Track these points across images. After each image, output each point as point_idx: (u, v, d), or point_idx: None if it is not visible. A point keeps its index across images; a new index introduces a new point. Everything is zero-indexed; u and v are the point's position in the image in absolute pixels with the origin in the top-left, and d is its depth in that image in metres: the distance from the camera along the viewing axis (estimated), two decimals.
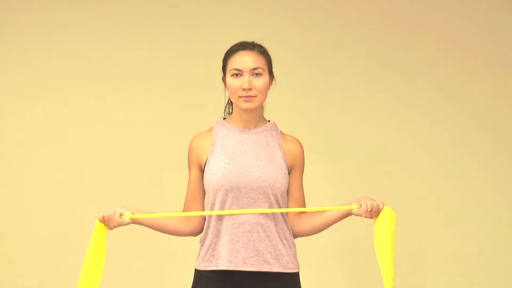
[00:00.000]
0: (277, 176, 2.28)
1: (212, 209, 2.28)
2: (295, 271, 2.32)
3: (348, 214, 2.29)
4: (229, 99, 2.41)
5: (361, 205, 2.24)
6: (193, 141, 2.37)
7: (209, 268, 2.28)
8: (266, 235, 2.26)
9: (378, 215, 2.28)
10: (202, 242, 2.32)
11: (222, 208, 2.26)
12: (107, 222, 2.27)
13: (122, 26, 3.89)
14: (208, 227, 2.30)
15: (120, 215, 2.27)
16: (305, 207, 2.36)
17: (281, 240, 2.29)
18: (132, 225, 2.36)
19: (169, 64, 3.89)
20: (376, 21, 3.94)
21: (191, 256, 2.45)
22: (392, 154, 3.90)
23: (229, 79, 2.30)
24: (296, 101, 3.87)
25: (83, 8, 3.89)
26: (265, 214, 2.26)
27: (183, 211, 2.35)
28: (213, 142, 2.33)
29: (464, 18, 3.95)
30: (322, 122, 3.89)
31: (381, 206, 2.26)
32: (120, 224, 2.27)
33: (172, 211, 2.45)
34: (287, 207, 2.34)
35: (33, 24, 3.87)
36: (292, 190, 2.34)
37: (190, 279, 2.37)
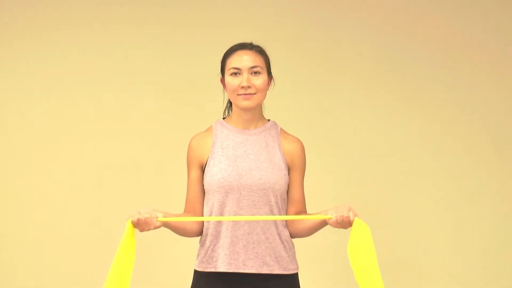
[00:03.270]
0: (277, 178, 2.27)
1: (211, 210, 2.28)
2: (295, 272, 2.32)
3: (325, 223, 2.22)
4: (228, 101, 2.41)
5: (332, 216, 2.15)
6: (193, 141, 2.36)
7: (208, 270, 2.28)
8: (265, 237, 2.26)
9: (350, 226, 2.16)
10: (202, 243, 2.32)
11: (222, 209, 2.26)
12: (141, 225, 2.14)
13: (122, 26, 3.88)
14: (207, 228, 2.30)
15: (156, 218, 2.15)
16: (305, 207, 2.35)
17: (282, 242, 2.29)
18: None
19: (169, 64, 3.88)
20: (376, 21, 3.94)
21: (190, 257, 2.45)
22: (392, 154, 3.90)
23: (228, 78, 2.30)
24: (296, 101, 3.87)
25: (82, 8, 3.88)
26: (265, 216, 2.25)
27: (186, 212, 2.34)
28: (213, 142, 2.33)
29: (465, 18, 3.94)
30: (322, 122, 3.89)
31: (351, 218, 2.15)
32: (156, 228, 2.17)
33: (176, 209, 2.43)
34: (287, 208, 2.33)
35: (33, 24, 3.87)
36: (290, 191, 2.33)
37: (189, 279, 2.36)
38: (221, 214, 2.26)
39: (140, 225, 2.13)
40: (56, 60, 3.86)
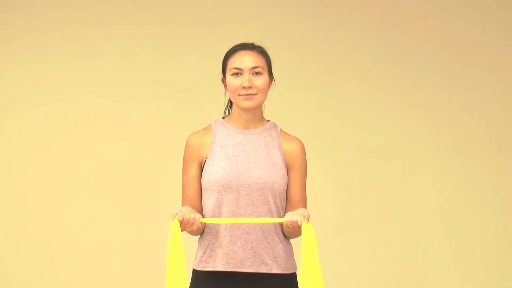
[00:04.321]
0: (276, 178, 2.27)
1: (209, 209, 2.27)
2: (293, 271, 2.32)
3: (297, 227, 2.19)
4: (228, 101, 2.41)
5: (283, 220, 2.16)
6: (191, 139, 2.35)
7: (207, 269, 2.28)
8: (264, 236, 2.26)
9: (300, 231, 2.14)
10: (200, 242, 2.32)
11: (220, 208, 2.25)
12: (185, 225, 2.15)
13: (122, 26, 3.89)
14: (206, 227, 2.30)
15: (199, 218, 2.18)
16: (305, 207, 2.34)
17: (281, 241, 2.29)
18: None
19: (169, 64, 3.89)
20: (376, 21, 3.94)
21: (189, 256, 2.44)
22: (392, 154, 3.90)
23: (229, 78, 2.29)
24: (296, 101, 3.87)
25: (82, 8, 3.89)
26: (264, 215, 2.25)
27: None
28: (213, 141, 2.33)
29: (465, 18, 3.95)
30: (322, 122, 3.89)
31: (299, 222, 2.12)
32: (198, 228, 2.20)
33: (174, 209, 2.43)
34: (286, 208, 2.33)
35: (33, 24, 3.87)
36: (289, 191, 2.33)
37: (188, 278, 2.36)
38: (219, 213, 2.26)
39: (183, 225, 2.14)
40: (56, 60, 3.86)
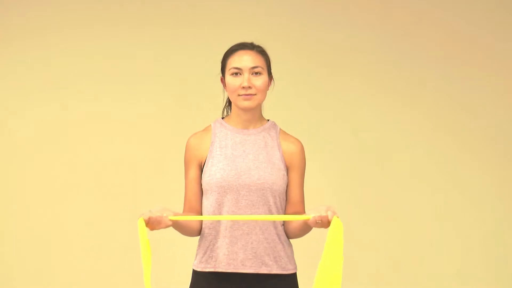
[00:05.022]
0: (276, 178, 2.27)
1: (210, 210, 2.27)
2: (293, 272, 2.32)
3: (307, 224, 2.18)
4: (227, 100, 2.41)
5: (310, 216, 2.11)
6: (191, 140, 2.35)
7: (207, 269, 2.27)
8: (264, 237, 2.26)
9: (329, 225, 2.11)
10: (200, 243, 2.32)
11: (220, 209, 2.25)
12: (152, 224, 2.11)
13: (122, 26, 3.89)
14: (206, 228, 2.30)
15: (167, 217, 2.12)
16: (303, 208, 2.34)
17: (281, 242, 2.29)
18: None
19: (168, 64, 3.89)
20: (376, 21, 3.94)
21: (189, 256, 2.45)
22: (392, 154, 3.90)
23: (228, 78, 2.29)
24: (295, 101, 3.87)
25: (82, 8, 3.89)
26: (264, 216, 2.25)
27: (186, 211, 2.34)
28: (212, 142, 2.33)
29: (465, 18, 3.95)
30: (321, 122, 3.89)
31: (329, 217, 2.10)
32: (167, 227, 2.14)
33: (174, 208, 2.43)
34: (285, 208, 2.33)
35: (33, 24, 3.87)
36: (289, 191, 2.33)
37: (188, 279, 2.36)
38: (219, 214, 2.26)
39: (151, 223, 2.11)
40: (56, 60, 3.86)
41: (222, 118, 2.41)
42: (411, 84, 3.92)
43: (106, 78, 3.87)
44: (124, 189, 3.80)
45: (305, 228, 2.25)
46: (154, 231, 2.30)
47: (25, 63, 3.86)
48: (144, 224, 2.08)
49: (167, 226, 2.14)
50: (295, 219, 2.20)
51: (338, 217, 2.09)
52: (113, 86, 3.87)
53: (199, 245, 2.33)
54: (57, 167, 3.83)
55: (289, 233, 2.32)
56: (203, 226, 2.31)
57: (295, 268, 2.33)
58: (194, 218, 2.23)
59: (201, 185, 2.32)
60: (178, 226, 2.23)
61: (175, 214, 2.15)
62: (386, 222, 3.86)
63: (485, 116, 3.92)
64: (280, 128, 2.38)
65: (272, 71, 2.36)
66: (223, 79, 2.35)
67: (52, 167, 3.83)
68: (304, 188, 2.38)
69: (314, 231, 2.27)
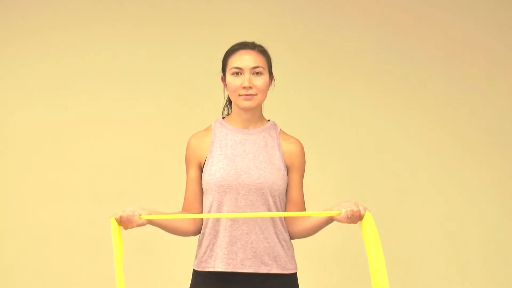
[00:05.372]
0: (276, 178, 2.27)
1: (209, 209, 2.27)
2: (293, 272, 2.32)
3: (331, 220, 2.21)
4: (227, 99, 2.41)
5: (341, 212, 2.14)
6: (191, 140, 2.36)
7: (207, 269, 2.27)
8: (264, 236, 2.26)
9: (361, 220, 2.16)
10: (200, 243, 2.32)
11: (219, 209, 2.25)
12: (124, 223, 2.13)
13: (122, 25, 3.88)
14: (205, 228, 2.30)
15: (139, 215, 2.14)
16: (304, 209, 2.34)
17: (280, 241, 2.28)
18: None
19: (168, 63, 3.88)
20: (376, 21, 3.94)
21: (189, 256, 2.45)
22: (392, 154, 3.90)
23: (229, 77, 2.29)
24: (295, 101, 3.87)
25: (81, 8, 3.88)
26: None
27: (183, 211, 2.34)
28: (212, 142, 2.33)
29: (465, 18, 3.95)
30: (321, 122, 3.88)
31: (362, 212, 2.15)
32: (139, 225, 2.15)
33: (173, 208, 2.44)
34: (285, 208, 2.32)
35: (33, 24, 3.87)
36: (289, 191, 2.33)
37: (188, 279, 2.36)
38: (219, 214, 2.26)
39: (123, 222, 2.12)
40: (56, 60, 3.86)
41: (223, 118, 2.41)
42: (411, 84, 3.92)
43: (106, 78, 3.87)
44: (124, 189, 3.80)
45: (319, 226, 2.25)
46: (154, 232, 2.33)
47: (25, 63, 3.86)
48: (116, 223, 2.11)
49: (140, 225, 2.15)
50: (323, 215, 2.20)
51: (369, 212, 2.15)
52: (113, 86, 3.87)
53: (199, 245, 2.33)
54: (57, 167, 3.83)
55: (296, 232, 2.31)
56: (203, 226, 2.31)
57: (295, 268, 2.33)
58: (168, 216, 2.22)
59: (201, 185, 2.33)
60: (161, 227, 2.25)
61: (153, 214, 2.16)
62: (386, 222, 3.85)
63: (485, 116, 3.92)
64: (280, 129, 2.38)
65: (273, 70, 2.36)
66: (223, 78, 2.35)
67: (52, 167, 3.83)
68: (303, 188, 2.38)
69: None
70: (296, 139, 2.37)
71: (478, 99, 3.92)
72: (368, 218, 2.14)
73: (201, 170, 2.32)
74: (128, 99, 3.87)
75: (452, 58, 3.93)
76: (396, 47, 3.93)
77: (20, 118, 3.84)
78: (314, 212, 2.24)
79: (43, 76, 3.85)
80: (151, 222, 2.20)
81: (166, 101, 3.87)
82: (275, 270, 2.26)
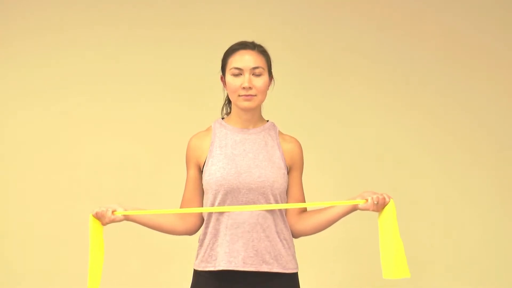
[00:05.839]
0: (276, 177, 2.27)
1: None
2: (294, 271, 2.32)
3: (353, 209, 2.26)
4: (226, 98, 2.41)
5: (367, 199, 2.21)
6: (192, 141, 2.36)
7: (208, 269, 2.27)
8: (265, 235, 2.26)
9: (383, 207, 2.25)
10: (201, 242, 2.32)
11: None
12: (99, 218, 2.26)
13: (122, 26, 3.88)
14: (206, 227, 2.30)
15: (113, 211, 2.26)
16: (305, 208, 2.35)
17: (281, 240, 2.28)
18: (130, 224, 2.35)
19: (168, 63, 3.88)
20: (376, 21, 3.94)
21: (190, 256, 2.45)
22: (392, 154, 3.90)
23: (229, 78, 2.29)
24: (295, 101, 3.87)
25: (82, 8, 3.88)
26: (264, 215, 2.25)
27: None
28: (212, 142, 2.33)
29: (465, 18, 3.95)
30: (321, 122, 3.88)
31: (387, 199, 2.24)
32: (113, 221, 2.27)
33: (170, 209, 2.45)
34: (286, 208, 2.33)
35: (33, 24, 3.87)
36: (291, 190, 2.34)
37: (189, 279, 2.36)
38: (220, 213, 2.26)
39: (98, 218, 2.26)
40: (56, 60, 3.86)
41: (222, 118, 2.41)
42: (411, 84, 3.92)
43: (106, 78, 3.86)
44: (124, 189, 3.80)
45: (335, 219, 2.29)
46: (154, 232, 2.35)
47: (25, 63, 3.86)
48: (93, 219, 2.26)
49: (113, 221, 2.27)
50: (347, 204, 2.25)
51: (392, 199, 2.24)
52: (113, 86, 3.87)
53: (199, 245, 2.33)
54: (57, 167, 3.83)
55: (306, 228, 2.32)
56: (204, 225, 2.32)
57: (297, 268, 2.33)
58: (144, 212, 2.29)
59: (199, 185, 2.33)
60: (142, 223, 2.33)
61: (134, 209, 2.27)
62: None
63: (485, 116, 3.91)
64: (278, 129, 2.39)
65: (272, 71, 2.36)
66: (223, 78, 2.35)
67: (52, 167, 3.82)
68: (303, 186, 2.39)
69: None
70: (294, 138, 2.39)
71: (478, 99, 3.92)
72: (391, 205, 2.24)
73: (200, 170, 2.33)
74: (128, 99, 3.87)
75: (452, 58, 3.93)
76: (396, 47, 3.93)
77: (20, 118, 3.84)
78: (337, 201, 2.29)
79: (43, 76, 3.85)
80: (130, 219, 2.30)
81: (166, 101, 3.87)
82: (276, 269, 2.26)
